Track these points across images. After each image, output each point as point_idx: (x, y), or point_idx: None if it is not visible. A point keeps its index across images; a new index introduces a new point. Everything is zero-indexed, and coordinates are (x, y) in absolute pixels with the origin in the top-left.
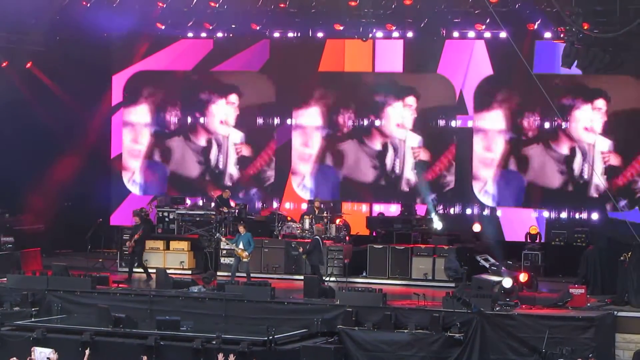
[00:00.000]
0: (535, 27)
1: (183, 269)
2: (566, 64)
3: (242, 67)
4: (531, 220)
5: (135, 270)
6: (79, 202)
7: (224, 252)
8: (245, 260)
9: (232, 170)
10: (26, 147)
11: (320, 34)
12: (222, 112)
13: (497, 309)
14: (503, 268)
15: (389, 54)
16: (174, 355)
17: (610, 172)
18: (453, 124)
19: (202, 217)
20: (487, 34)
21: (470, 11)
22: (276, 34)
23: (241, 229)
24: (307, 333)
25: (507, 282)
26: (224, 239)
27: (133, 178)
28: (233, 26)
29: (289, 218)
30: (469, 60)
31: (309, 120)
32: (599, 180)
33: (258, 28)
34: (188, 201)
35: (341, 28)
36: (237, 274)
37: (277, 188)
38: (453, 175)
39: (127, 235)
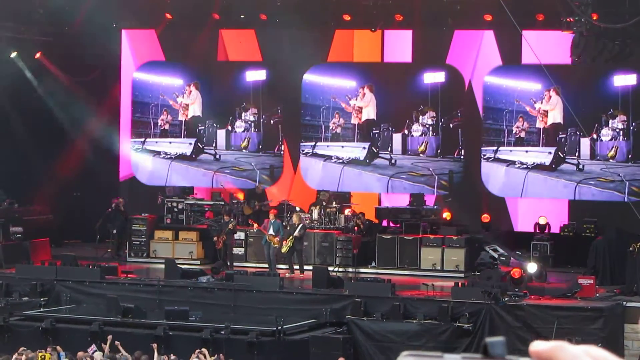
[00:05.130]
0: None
1: (192, 259)
2: (575, 55)
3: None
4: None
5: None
6: (88, 193)
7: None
8: (276, 245)
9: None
10: (35, 138)
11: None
12: None
13: (506, 299)
14: (512, 259)
15: (398, 44)
16: (182, 345)
17: None
18: None
19: (211, 207)
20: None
21: (478, 1)
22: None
23: (272, 215)
24: (315, 323)
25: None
26: (255, 225)
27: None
28: (242, 16)
29: (298, 208)
30: (478, 51)
31: None
32: None
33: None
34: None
35: (350, 18)
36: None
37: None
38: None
39: (137, 225)
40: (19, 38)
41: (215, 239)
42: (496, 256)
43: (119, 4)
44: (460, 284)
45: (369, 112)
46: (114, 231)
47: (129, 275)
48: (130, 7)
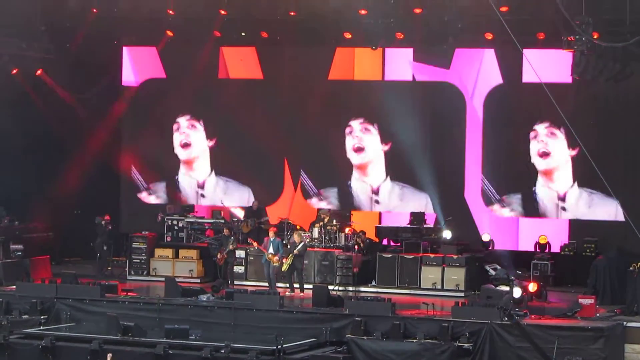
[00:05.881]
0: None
1: (192, 277)
2: (576, 73)
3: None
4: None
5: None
6: (89, 210)
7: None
8: (276, 264)
9: None
10: (36, 155)
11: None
12: None
13: (506, 319)
14: (512, 278)
15: (399, 62)
16: None
17: None
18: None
19: (212, 226)
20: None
21: (479, 20)
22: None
23: (271, 233)
24: (315, 342)
25: (517, 292)
26: (255, 244)
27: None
28: (243, 34)
29: (298, 227)
30: (478, 68)
31: None
32: None
33: (267, 36)
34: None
35: (350, 36)
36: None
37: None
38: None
39: (138, 243)
40: (21, 55)
41: (218, 255)
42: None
43: (120, 21)
44: (460, 303)
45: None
46: (105, 247)
47: (129, 294)
48: (131, 24)
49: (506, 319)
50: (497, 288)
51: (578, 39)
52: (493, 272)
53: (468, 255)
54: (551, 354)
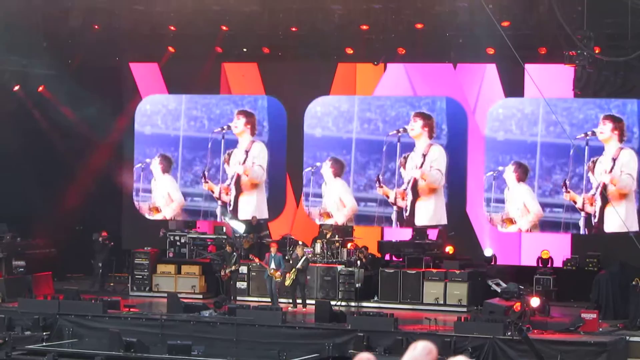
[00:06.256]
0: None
1: (194, 293)
2: (578, 88)
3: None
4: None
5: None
6: (91, 226)
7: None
8: (278, 279)
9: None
10: (38, 171)
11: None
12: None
13: (509, 333)
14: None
15: (401, 77)
16: None
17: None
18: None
19: (214, 241)
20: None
21: (481, 35)
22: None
23: (273, 249)
24: (318, 358)
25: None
26: (256, 260)
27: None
28: (244, 50)
29: (300, 242)
30: (480, 83)
31: None
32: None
33: (269, 52)
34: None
35: (352, 52)
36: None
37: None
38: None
39: (140, 259)
40: (22, 71)
41: (222, 272)
42: (499, 290)
43: (122, 38)
44: (463, 318)
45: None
46: (100, 264)
47: (131, 310)
48: (133, 41)
49: (516, 333)
50: (501, 303)
51: (580, 54)
52: (496, 287)
53: (470, 270)
54: None
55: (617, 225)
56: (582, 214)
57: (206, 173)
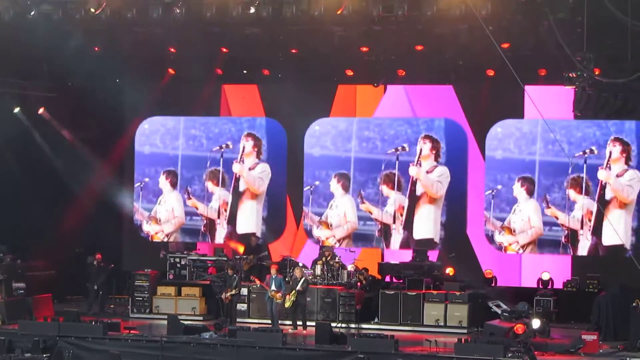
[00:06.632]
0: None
1: (195, 315)
2: (578, 109)
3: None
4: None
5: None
6: (91, 248)
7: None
8: (278, 301)
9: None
10: (38, 193)
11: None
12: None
13: (509, 355)
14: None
15: (401, 99)
16: None
17: None
18: None
19: (214, 263)
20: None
21: (480, 56)
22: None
23: (273, 271)
24: None
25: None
26: (257, 281)
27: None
28: (244, 72)
29: (300, 264)
30: (479, 105)
31: None
32: None
33: (269, 73)
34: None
35: (352, 74)
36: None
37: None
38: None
39: (140, 281)
40: (23, 94)
41: (224, 294)
42: (499, 312)
43: (123, 59)
44: (463, 339)
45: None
46: (95, 287)
47: (131, 332)
48: (133, 63)
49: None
50: (501, 325)
51: (579, 75)
52: (497, 309)
53: (471, 291)
54: None
55: (613, 238)
56: (564, 231)
57: (189, 189)
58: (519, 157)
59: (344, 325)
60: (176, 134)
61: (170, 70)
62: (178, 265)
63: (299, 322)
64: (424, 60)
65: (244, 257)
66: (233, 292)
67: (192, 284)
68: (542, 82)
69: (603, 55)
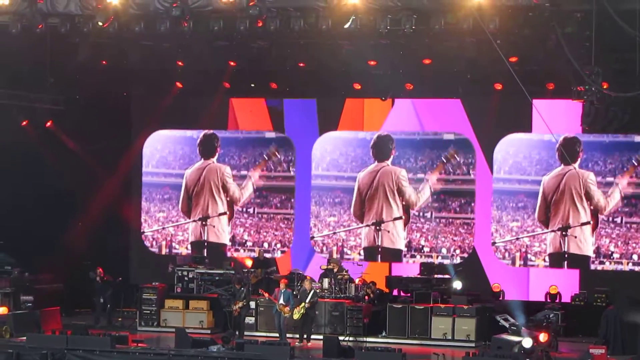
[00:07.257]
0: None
1: (202, 328)
2: (586, 124)
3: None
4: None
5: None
6: (98, 261)
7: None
8: (286, 315)
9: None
10: (46, 206)
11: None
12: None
13: None
14: (523, 328)
15: (409, 113)
16: None
17: None
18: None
19: (222, 277)
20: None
21: (488, 70)
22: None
23: (282, 285)
24: None
25: (527, 342)
26: (266, 295)
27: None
28: (252, 85)
29: (308, 277)
30: (487, 118)
31: None
32: None
33: (277, 87)
34: None
35: (360, 87)
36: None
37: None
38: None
39: (148, 294)
40: (30, 107)
41: (233, 306)
42: (507, 325)
43: (130, 73)
44: (471, 353)
45: None
46: (102, 300)
47: (139, 345)
48: (141, 76)
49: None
50: (508, 338)
51: (588, 89)
52: (505, 323)
53: (478, 305)
54: None
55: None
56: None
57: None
58: (527, 172)
59: (351, 338)
60: (184, 148)
61: (178, 84)
62: (186, 278)
63: (305, 336)
64: (432, 74)
65: (252, 270)
66: (241, 304)
67: (199, 297)
68: (550, 96)
69: (611, 69)
